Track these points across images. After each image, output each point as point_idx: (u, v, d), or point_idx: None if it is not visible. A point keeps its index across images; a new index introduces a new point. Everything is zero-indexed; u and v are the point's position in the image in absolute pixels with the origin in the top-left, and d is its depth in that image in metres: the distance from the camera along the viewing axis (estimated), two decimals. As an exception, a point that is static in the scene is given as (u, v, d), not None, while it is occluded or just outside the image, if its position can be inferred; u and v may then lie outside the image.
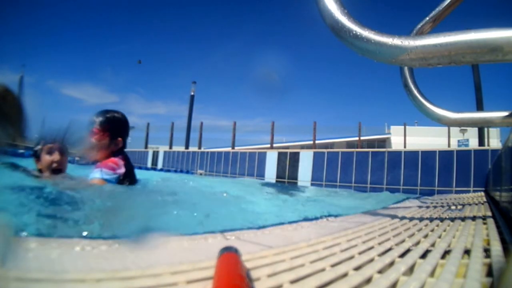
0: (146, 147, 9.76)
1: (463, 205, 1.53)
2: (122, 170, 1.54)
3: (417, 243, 0.60)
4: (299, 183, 4.21)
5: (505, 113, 1.17)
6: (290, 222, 0.89)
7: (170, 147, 9.33)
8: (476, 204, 1.57)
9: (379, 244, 0.58)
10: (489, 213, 1.13)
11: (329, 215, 1.11)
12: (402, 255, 0.50)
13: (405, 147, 10.04)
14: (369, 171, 3.67)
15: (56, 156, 1.57)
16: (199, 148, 9.11)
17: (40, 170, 1.65)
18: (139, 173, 1.75)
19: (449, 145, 10.71)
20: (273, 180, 4.50)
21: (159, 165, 6.75)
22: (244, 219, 1.19)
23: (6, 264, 0.36)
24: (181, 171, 5.81)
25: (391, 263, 0.46)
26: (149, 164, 7.03)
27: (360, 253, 0.50)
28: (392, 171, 3.53)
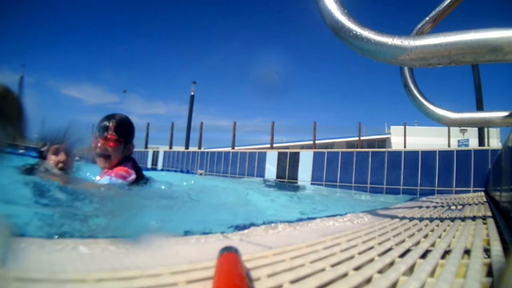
0: (146, 147, 9.77)
1: (463, 205, 1.53)
2: (133, 176, 1.55)
3: (417, 243, 0.60)
4: (299, 183, 4.22)
5: (505, 113, 1.18)
6: (290, 221, 0.89)
7: (170, 147, 9.33)
8: (476, 204, 1.57)
9: (379, 244, 0.58)
10: (489, 213, 1.13)
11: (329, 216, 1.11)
12: (402, 255, 0.50)
13: (405, 147, 10.04)
14: (369, 171, 3.67)
15: (62, 157, 1.59)
16: (199, 148, 9.11)
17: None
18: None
19: (449, 145, 10.71)
20: (273, 180, 4.50)
21: (159, 165, 6.75)
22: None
23: (6, 264, 0.36)
24: (181, 171, 5.81)
25: (391, 263, 0.46)
26: (149, 164, 7.03)
27: (360, 253, 0.50)
28: (392, 171, 3.53)
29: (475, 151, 3.10)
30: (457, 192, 3.01)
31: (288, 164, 4.44)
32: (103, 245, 0.51)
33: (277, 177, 4.50)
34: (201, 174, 5.53)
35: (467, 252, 0.53)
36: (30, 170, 1.55)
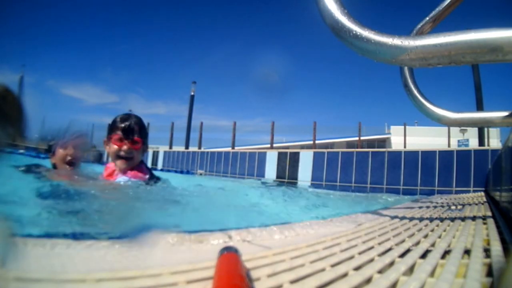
0: (146, 147, 9.74)
1: (463, 205, 1.53)
2: (147, 176, 1.59)
3: (417, 243, 0.60)
4: (299, 183, 4.21)
5: (505, 113, 1.17)
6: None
7: (170, 147, 9.34)
8: (476, 204, 1.57)
9: (379, 244, 0.58)
10: (489, 213, 1.13)
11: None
12: (402, 255, 0.50)
13: (405, 147, 10.05)
14: (369, 171, 3.67)
15: (70, 150, 1.60)
16: (199, 148, 9.11)
17: (54, 165, 1.66)
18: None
19: (449, 145, 10.72)
20: (273, 180, 4.50)
21: (159, 165, 6.74)
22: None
23: (6, 264, 0.36)
24: (181, 171, 5.81)
25: (391, 263, 0.46)
26: (149, 164, 7.01)
27: (360, 253, 0.50)
28: (392, 171, 3.53)
29: (475, 151, 3.10)
30: (457, 192, 3.01)
31: (288, 164, 4.44)
32: (103, 245, 0.51)
33: (277, 177, 4.50)
34: (201, 174, 5.53)
35: (467, 252, 0.53)
36: (34, 170, 1.55)
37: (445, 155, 3.25)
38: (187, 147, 9.07)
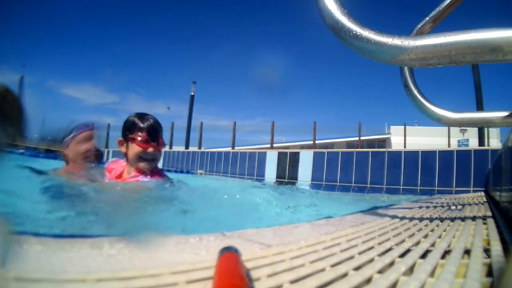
0: (146, 147, 9.75)
1: (463, 205, 1.53)
2: (165, 177, 1.60)
3: (417, 243, 0.60)
4: (299, 183, 4.22)
5: (505, 113, 1.17)
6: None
7: (170, 147, 9.34)
8: (476, 204, 1.57)
9: (379, 244, 0.58)
10: (489, 213, 1.13)
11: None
12: (402, 255, 0.50)
13: (405, 147, 10.05)
14: (369, 171, 3.67)
15: (91, 144, 1.55)
16: (199, 148, 9.12)
17: (66, 161, 1.62)
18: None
19: (449, 145, 10.72)
20: (273, 180, 4.50)
21: (159, 165, 6.74)
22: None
23: (6, 264, 0.36)
24: (181, 171, 5.81)
25: (391, 263, 0.46)
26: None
27: (360, 253, 0.50)
28: (392, 171, 3.53)
29: (475, 151, 3.10)
30: (457, 192, 3.01)
31: (288, 164, 4.44)
32: (103, 245, 0.51)
33: (277, 177, 4.50)
34: (201, 174, 5.54)
35: (467, 252, 0.53)
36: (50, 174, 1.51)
37: (445, 155, 3.25)
38: (187, 147, 9.08)
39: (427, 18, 1.26)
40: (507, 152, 1.12)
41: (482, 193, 2.62)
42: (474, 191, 2.92)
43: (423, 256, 0.51)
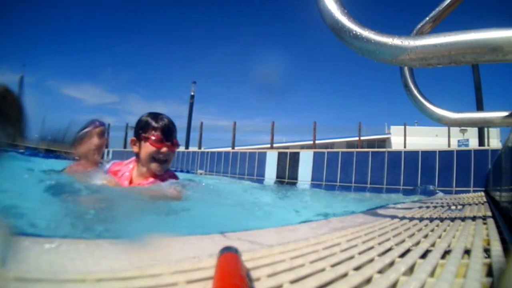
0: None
1: (463, 205, 1.53)
2: (179, 179, 1.55)
3: (417, 243, 0.60)
4: (299, 183, 4.21)
5: (505, 113, 1.18)
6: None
7: (170, 147, 9.32)
8: (476, 204, 1.57)
9: (379, 244, 0.58)
10: (489, 213, 1.13)
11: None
12: (402, 255, 0.50)
13: (405, 147, 10.05)
14: (369, 171, 3.67)
15: (104, 140, 1.53)
16: (199, 148, 9.11)
17: (76, 158, 1.60)
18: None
19: (449, 145, 10.73)
20: (273, 180, 4.50)
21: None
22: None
23: (6, 264, 0.36)
24: (181, 171, 5.81)
25: (391, 263, 0.46)
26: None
27: (360, 253, 0.50)
28: (392, 171, 3.53)
29: (475, 151, 3.10)
30: (457, 192, 3.01)
31: (288, 164, 4.44)
32: (104, 244, 0.51)
33: (277, 177, 4.50)
34: (201, 174, 5.53)
35: (467, 252, 0.53)
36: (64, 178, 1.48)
37: (445, 155, 3.25)
38: (187, 147, 9.07)
39: (427, 18, 1.26)
40: (507, 152, 1.12)
41: (482, 193, 2.62)
42: (474, 191, 2.92)
43: (423, 256, 0.51)
